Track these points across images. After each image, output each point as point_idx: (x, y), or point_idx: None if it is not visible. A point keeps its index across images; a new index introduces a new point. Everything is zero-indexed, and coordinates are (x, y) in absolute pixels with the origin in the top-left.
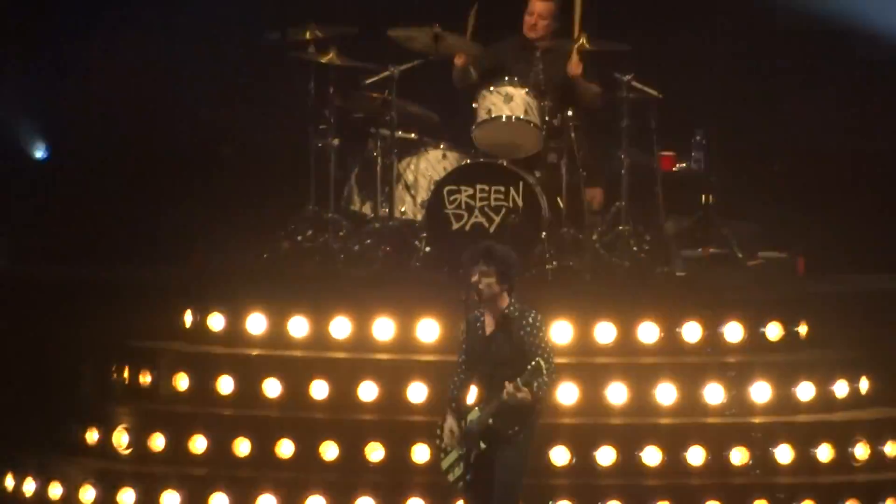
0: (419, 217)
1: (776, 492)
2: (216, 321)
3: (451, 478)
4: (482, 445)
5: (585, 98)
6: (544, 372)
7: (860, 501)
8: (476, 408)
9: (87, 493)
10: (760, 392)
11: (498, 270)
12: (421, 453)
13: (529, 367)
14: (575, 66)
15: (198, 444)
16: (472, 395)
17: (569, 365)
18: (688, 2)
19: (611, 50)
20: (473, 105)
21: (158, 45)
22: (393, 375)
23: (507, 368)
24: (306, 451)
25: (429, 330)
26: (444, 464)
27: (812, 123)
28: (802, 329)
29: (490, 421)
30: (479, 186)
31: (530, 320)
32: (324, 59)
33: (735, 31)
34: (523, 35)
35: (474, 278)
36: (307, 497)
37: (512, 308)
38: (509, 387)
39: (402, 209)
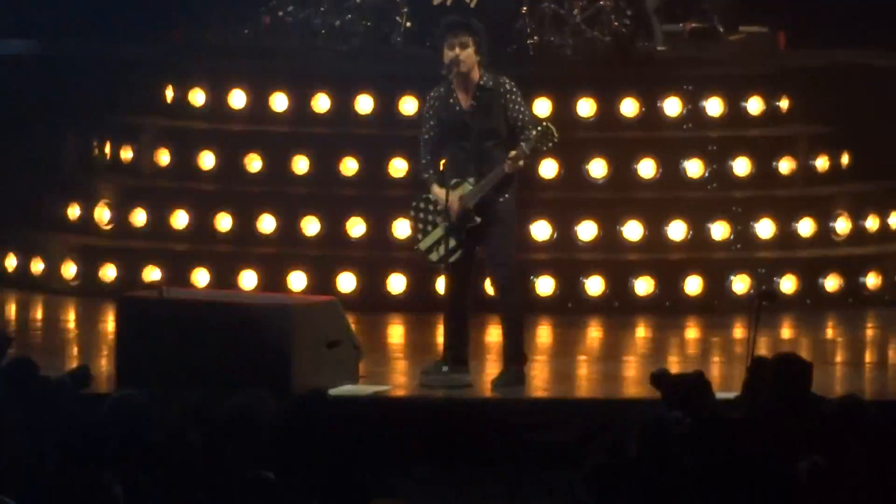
0: None
1: (757, 267)
2: (198, 96)
3: (433, 257)
4: (477, 219)
5: None
6: (555, 134)
7: (841, 275)
8: (465, 182)
9: (70, 269)
10: (741, 166)
11: (475, 41)
12: (402, 228)
13: (538, 130)
14: None
15: (179, 219)
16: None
17: None
18: None
19: None
20: None
21: None
22: (374, 150)
23: (492, 138)
24: (288, 226)
25: (410, 105)
26: (425, 243)
27: None
28: (783, 103)
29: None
30: None
31: (508, 86)
32: None
33: None
34: None
35: (455, 50)
36: (289, 273)
37: (486, 78)
38: (514, 154)
39: None
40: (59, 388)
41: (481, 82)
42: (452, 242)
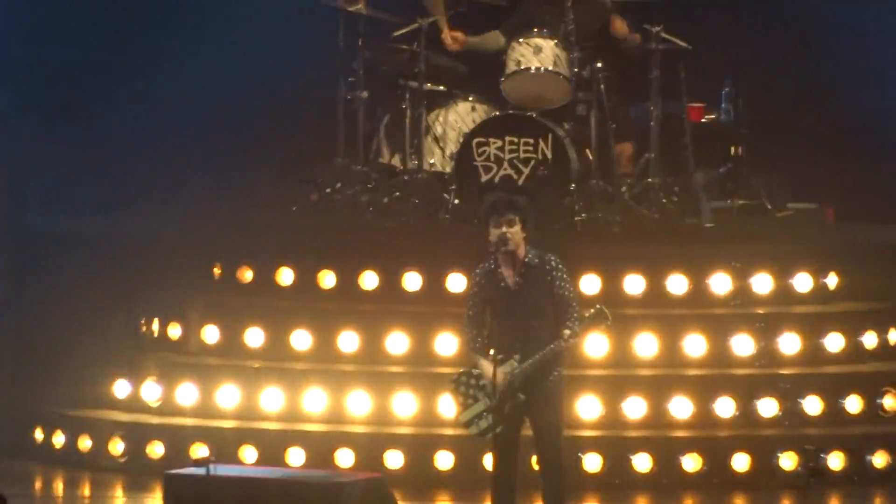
0: (448, 169)
1: (805, 443)
2: (245, 274)
3: (473, 430)
4: (521, 396)
5: (628, 50)
6: (609, 316)
7: (889, 452)
8: (511, 360)
9: (117, 446)
10: (789, 343)
11: (521, 219)
12: (449, 405)
13: (592, 311)
14: (618, 28)
15: (226, 396)
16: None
17: None
18: None
19: (640, 0)
20: (503, 57)
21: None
22: (422, 327)
23: (538, 317)
24: (335, 403)
25: (458, 282)
26: (466, 416)
27: (844, 74)
28: (832, 280)
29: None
30: (508, 138)
31: (554, 264)
32: (352, 8)
33: None
34: None
35: (502, 229)
36: (336, 450)
37: (531, 256)
38: (567, 334)
39: (431, 161)
40: None
41: (527, 259)
42: (493, 417)
